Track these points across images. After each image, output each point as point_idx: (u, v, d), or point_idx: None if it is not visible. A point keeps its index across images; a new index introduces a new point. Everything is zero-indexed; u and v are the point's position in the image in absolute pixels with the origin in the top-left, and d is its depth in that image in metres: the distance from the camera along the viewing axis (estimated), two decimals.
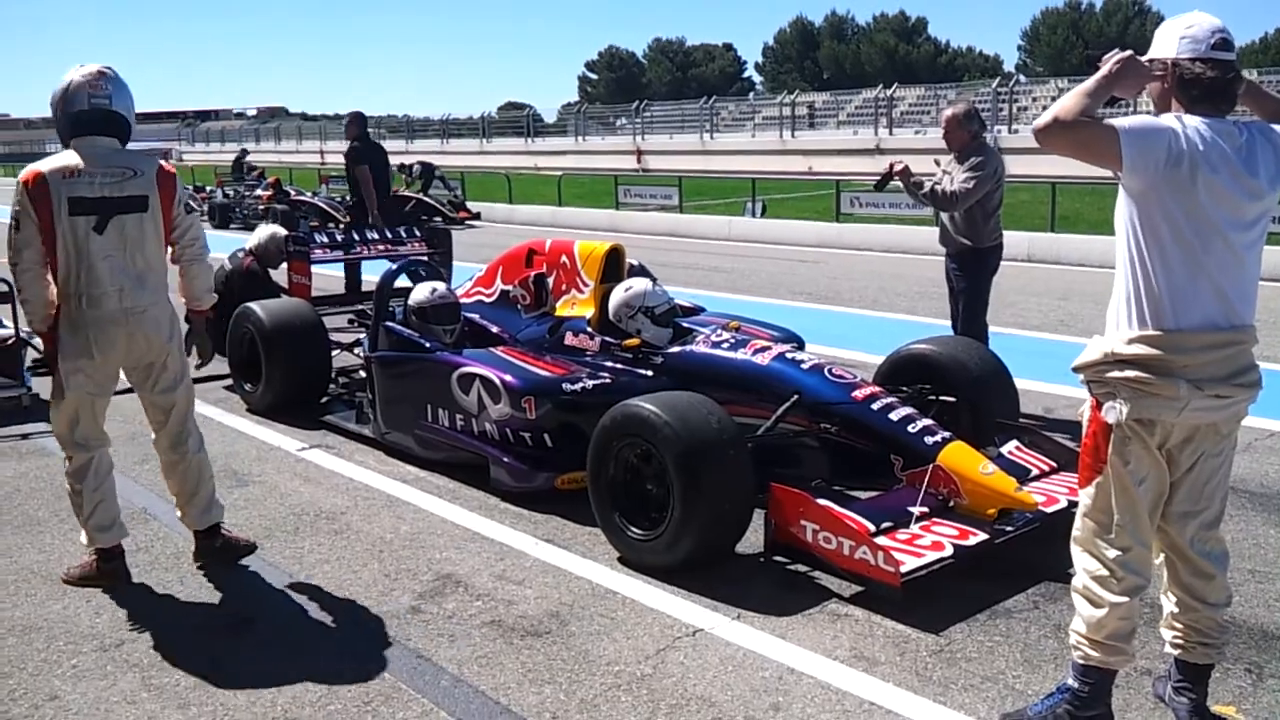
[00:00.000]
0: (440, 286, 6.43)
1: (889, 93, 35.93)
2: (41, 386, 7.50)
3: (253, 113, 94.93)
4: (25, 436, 6.79)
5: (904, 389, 5.50)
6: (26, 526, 5.25)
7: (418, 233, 8.44)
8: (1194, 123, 2.93)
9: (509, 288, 6.54)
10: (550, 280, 6.36)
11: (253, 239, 8.17)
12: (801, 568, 4.47)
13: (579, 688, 3.60)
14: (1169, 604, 3.32)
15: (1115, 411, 3.04)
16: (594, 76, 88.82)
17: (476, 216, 23.07)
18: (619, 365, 5.66)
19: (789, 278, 13.87)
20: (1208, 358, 2.98)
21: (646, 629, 4.02)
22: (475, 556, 4.73)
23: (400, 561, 4.70)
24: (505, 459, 5.41)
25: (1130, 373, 3.00)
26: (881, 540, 4.18)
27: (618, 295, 5.82)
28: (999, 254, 6.71)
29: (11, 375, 7.43)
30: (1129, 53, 3.00)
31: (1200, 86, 2.97)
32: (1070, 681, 3.23)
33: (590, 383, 5.36)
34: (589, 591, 4.36)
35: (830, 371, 5.11)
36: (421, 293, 6.30)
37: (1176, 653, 3.31)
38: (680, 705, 3.47)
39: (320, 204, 20.95)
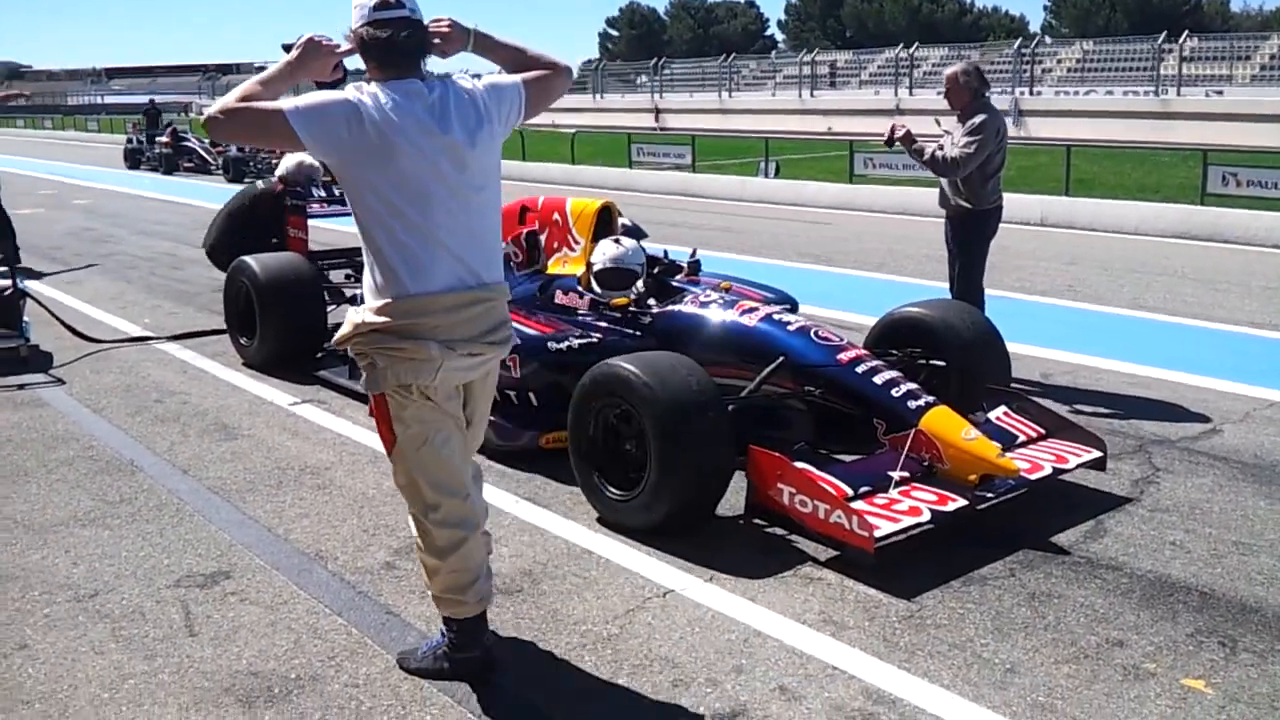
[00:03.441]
0: None
1: (909, 52, 35.46)
2: (41, 338, 7.56)
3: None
4: (21, 387, 6.82)
5: (894, 352, 5.45)
6: (13, 476, 5.27)
7: None
8: (374, 89, 2.93)
9: (502, 245, 6.48)
10: (543, 238, 6.31)
11: (281, 167, 8.09)
12: (779, 531, 4.46)
13: (544, 646, 3.60)
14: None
15: (375, 382, 3.09)
16: (615, 33, 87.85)
17: None
18: (608, 324, 5.62)
19: (798, 239, 13.76)
20: (456, 318, 3.02)
21: (618, 589, 4.01)
22: None
23: (380, 518, 4.70)
24: (492, 417, 5.38)
25: (383, 340, 3.02)
26: (857, 505, 4.15)
27: (595, 255, 5.79)
28: (998, 216, 6.62)
29: (10, 326, 7.45)
30: (309, 35, 3.03)
31: (376, 50, 2.98)
32: (443, 627, 3.31)
33: (576, 341, 5.32)
34: (564, 551, 4.35)
35: (816, 334, 5.06)
36: None
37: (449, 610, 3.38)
38: (643, 666, 3.46)
39: None
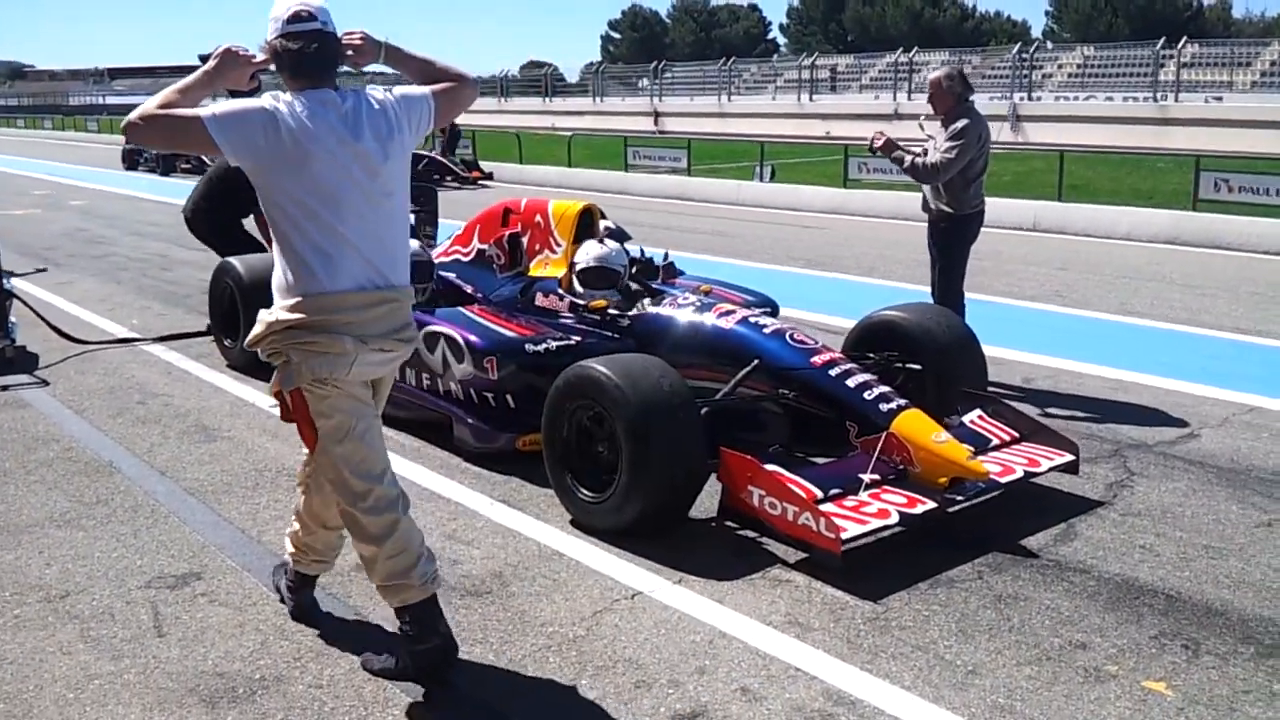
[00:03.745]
0: (414, 244, 6.40)
1: (908, 57, 35.50)
2: (27, 339, 7.58)
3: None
4: (5, 388, 6.83)
5: (871, 356, 5.47)
6: None
7: None
8: (289, 98, 3.05)
9: (485, 247, 6.52)
10: (525, 240, 6.33)
11: None
12: (751, 534, 4.47)
13: (509, 648, 3.61)
14: (295, 524, 3.66)
15: (290, 378, 3.17)
16: (617, 36, 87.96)
17: (489, 176, 22.99)
18: (587, 326, 5.64)
19: (791, 243, 13.78)
20: (367, 315, 3.14)
21: (586, 591, 4.02)
22: (429, 516, 4.73)
23: None
24: (469, 419, 5.42)
25: (299, 336, 3.11)
26: (826, 507, 4.16)
27: (579, 255, 5.82)
28: (979, 221, 6.63)
29: None
30: (226, 46, 3.17)
31: (289, 61, 3.09)
32: (400, 623, 3.37)
33: (554, 344, 5.34)
34: (535, 553, 4.37)
35: (792, 337, 5.07)
36: None
37: (295, 564, 3.72)
38: (607, 667, 3.48)
39: None
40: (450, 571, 4.18)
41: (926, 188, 6.61)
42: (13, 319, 7.56)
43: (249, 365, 7.08)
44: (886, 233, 14.61)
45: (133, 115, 3.02)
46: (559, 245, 6.07)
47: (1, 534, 4.59)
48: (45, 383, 6.97)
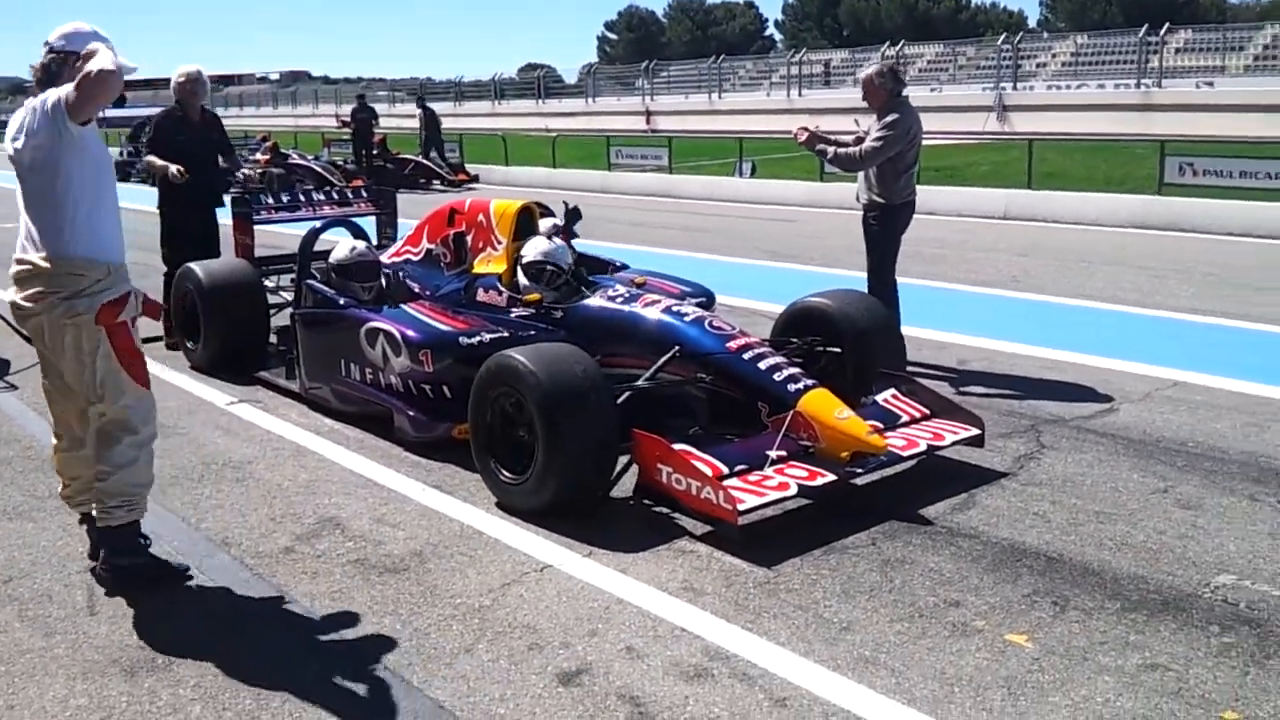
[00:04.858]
0: (360, 245, 6.65)
1: (895, 50, 35.66)
2: (1, 347, 7.80)
3: (275, 77, 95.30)
4: None
5: (794, 340, 5.70)
6: None
7: (365, 194, 8.65)
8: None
9: (432, 246, 6.74)
10: (469, 238, 6.55)
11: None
12: (664, 510, 4.69)
13: (417, 618, 3.84)
14: (96, 482, 4.13)
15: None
16: (613, 37, 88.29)
17: (475, 179, 23.26)
18: (526, 320, 5.86)
19: (762, 237, 14.00)
20: None
21: (500, 566, 4.25)
22: (361, 501, 4.97)
23: (290, 507, 4.95)
24: (408, 411, 5.65)
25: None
26: (731, 482, 4.39)
27: (525, 250, 6.04)
28: (910, 211, 6.84)
29: None
30: None
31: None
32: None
33: (488, 336, 5.56)
34: (458, 533, 4.60)
35: (710, 324, 5.30)
36: (341, 250, 6.53)
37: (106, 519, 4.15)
38: (504, 632, 3.71)
39: (316, 168, 21.26)
40: (374, 552, 4.41)
41: (860, 179, 6.83)
42: None
43: (210, 365, 7.32)
44: (858, 225, 14.72)
45: None
46: (499, 243, 6.28)
47: None
48: (14, 387, 7.22)
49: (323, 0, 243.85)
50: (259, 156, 22.64)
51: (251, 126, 43.80)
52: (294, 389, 6.65)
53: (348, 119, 24.13)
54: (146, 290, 4.31)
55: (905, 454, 4.79)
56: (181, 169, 7.36)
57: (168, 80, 8.13)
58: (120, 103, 4.14)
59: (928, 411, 5.22)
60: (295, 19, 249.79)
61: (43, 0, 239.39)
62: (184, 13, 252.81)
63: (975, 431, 5.04)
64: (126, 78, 3.75)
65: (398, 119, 35.82)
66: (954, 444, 4.97)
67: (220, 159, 8.06)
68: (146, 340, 8.16)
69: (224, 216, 8.13)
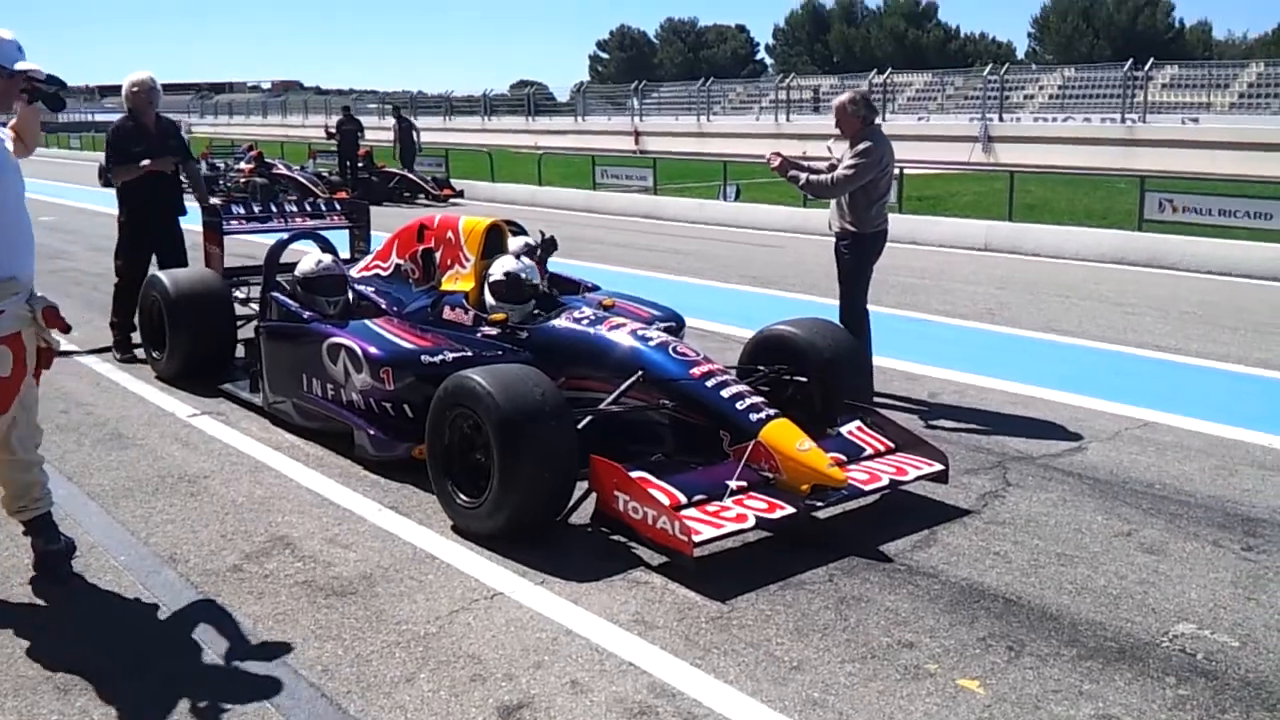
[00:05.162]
0: (326, 258, 6.58)
1: (883, 78, 35.87)
2: None
3: (267, 86, 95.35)
4: None
5: (760, 368, 5.65)
6: None
7: (338, 206, 8.58)
8: None
9: (401, 262, 6.68)
10: (438, 255, 6.48)
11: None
12: (621, 538, 4.62)
13: (360, 644, 3.76)
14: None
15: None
16: (605, 56, 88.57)
17: (460, 194, 23.19)
18: (491, 339, 5.79)
19: (743, 262, 13.96)
20: None
21: (449, 591, 4.17)
22: (315, 521, 4.89)
23: (241, 524, 4.86)
24: (369, 429, 5.57)
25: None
26: (688, 512, 4.33)
27: (494, 268, 5.97)
28: (882, 240, 6.80)
29: None
30: None
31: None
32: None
33: (450, 355, 5.48)
34: (410, 556, 4.52)
35: (674, 350, 5.24)
36: (307, 264, 6.46)
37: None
38: (448, 662, 3.63)
39: (300, 178, 21.20)
40: (323, 573, 4.33)
41: (832, 206, 6.80)
42: None
43: (175, 376, 7.23)
44: None
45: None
46: (467, 260, 6.22)
47: None
48: None
49: (319, 11, 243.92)
50: (244, 166, 22.57)
51: (240, 135, 43.72)
52: (257, 402, 6.56)
53: (334, 130, 24.03)
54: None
55: (867, 488, 4.74)
56: (150, 161, 7.44)
57: (164, 86, 8.11)
58: (59, 106, 4.13)
59: (892, 445, 5.17)
60: (290, 29, 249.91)
61: (36, 8, 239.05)
62: (177, 19, 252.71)
63: (939, 467, 4.99)
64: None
65: (386, 132, 35.79)
66: (917, 479, 4.92)
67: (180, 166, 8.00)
68: (95, 351, 8.18)
69: (193, 224, 8.05)
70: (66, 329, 4.23)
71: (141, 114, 7.70)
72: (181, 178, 8.07)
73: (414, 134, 24.55)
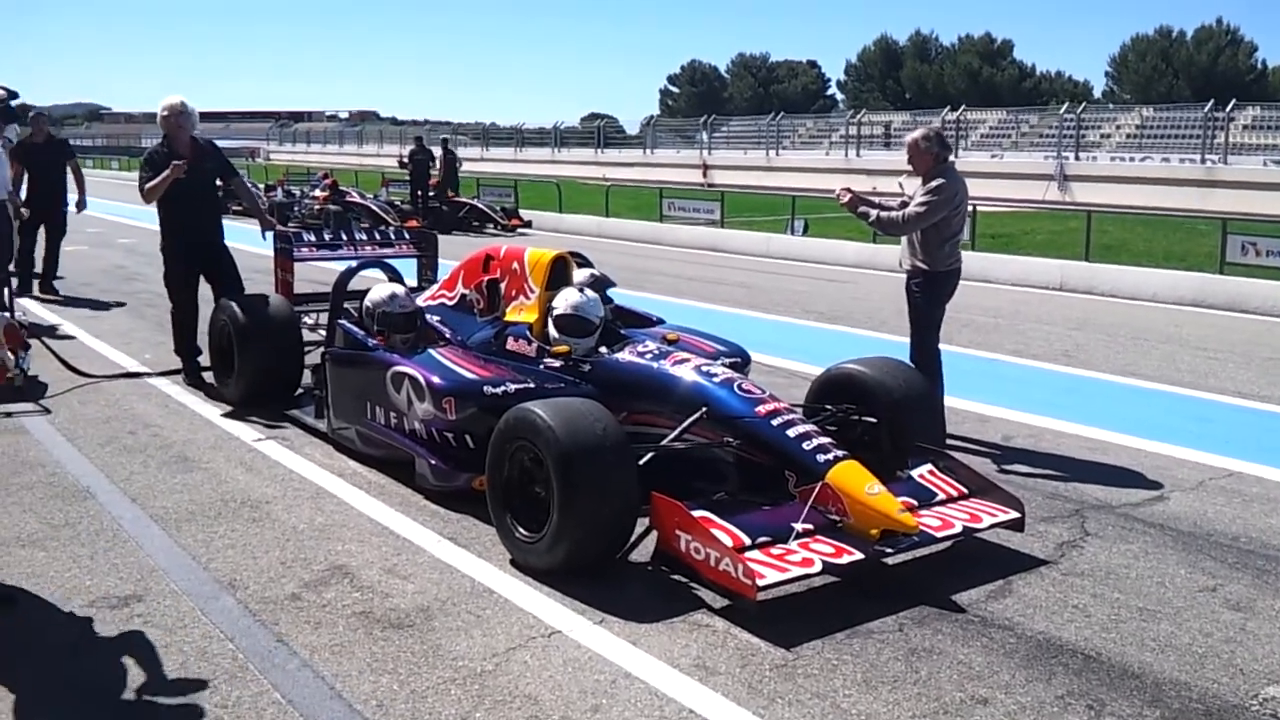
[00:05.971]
0: (400, 292, 6.58)
1: (956, 115, 35.57)
2: (39, 368, 7.84)
3: (345, 115, 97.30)
4: (9, 415, 7.07)
5: (828, 408, 5.52)
6: None
7: (407, 235, 8.62)
8: None
9: (467, 292, 6.66)
10: (502, 286, 6.46)
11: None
12: (683, 578, 4.51)
13: (415, 679, 3.68)
14: None
15: None
16: (675, 90, 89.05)
17: (528, 224, 23.35)
18: (554, 371, 5.73)
19: (810, 297, 13.82)
20: None
21: (506, 628, 4.09)
22: (374, 550, 4.85)
23: (301, 551, 4.83)
24: (430, 458, 5.53)
25: None
26: (751, 554, 4.21)
27: (557, 301, 5.93)
28: (955, 278, 6.64)
29: None
30: None
31: None
32: None
33: (513, 386, 5.43)
34: (468, 589, 4.45)
35: (739, 386, 5.14)
36: (378, 294, 6.47)
37: None
38: (504, 702, 3.54)
39: (373, 206, 21.50)
40: (380, 604, 4.27)
41: (904, 244, 6.67)
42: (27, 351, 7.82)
43: (243, 400, 7.28)
44: None
45: None
46: (532, 292, 6.18)
47: None
48: (48, 411, 7.22)
49: (400, 43, 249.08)
50: (318, 193, 22.94)
51: (316, 163, 44.57)
52: (321, 428, 6.57)
53: (406, 160, 24.41)
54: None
55: (939, 535, 4.58)
56: (180, 164, 7.46)
57: (246, 113, 8.23)
58: (12, 118, 4.27)
59: (965, 490, 5.00)
60: (371, 61, 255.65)
61: (131, 35, 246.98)
62: (263, 52, 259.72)
63: (1015, 515, 4.81)
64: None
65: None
66: (992, 526, 4.75)
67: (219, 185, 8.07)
68: (166, 373, 8.27)
69: (249, 245, 8.14)
70: (26, 346, 4.20)
71: (174, 138, 7.78)
72: (233, 206, 8.13)
73: (456, 164, 25.06)
